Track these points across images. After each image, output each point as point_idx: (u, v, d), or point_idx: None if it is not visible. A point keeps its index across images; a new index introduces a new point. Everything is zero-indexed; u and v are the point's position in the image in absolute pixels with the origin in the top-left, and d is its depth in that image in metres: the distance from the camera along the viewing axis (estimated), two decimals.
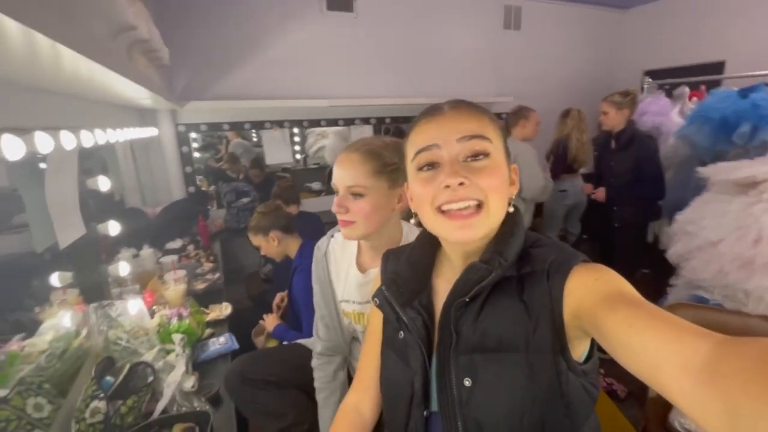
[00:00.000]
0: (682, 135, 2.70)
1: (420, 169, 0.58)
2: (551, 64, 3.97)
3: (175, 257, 2.07)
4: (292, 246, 1.71)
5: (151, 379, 1.08)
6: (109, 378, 1.04)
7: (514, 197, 0.61)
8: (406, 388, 0.63)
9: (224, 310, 1.62)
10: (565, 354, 0.53)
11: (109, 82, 1.12)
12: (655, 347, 0.40)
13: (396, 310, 0.64)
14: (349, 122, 3.24)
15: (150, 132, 2.35)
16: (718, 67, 3.56)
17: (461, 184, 0.54)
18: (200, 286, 1.80)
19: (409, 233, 0.97)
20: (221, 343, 1.39)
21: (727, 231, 1.52)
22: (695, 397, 0.35)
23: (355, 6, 3.00)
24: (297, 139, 3.51)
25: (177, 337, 1.24)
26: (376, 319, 0.75)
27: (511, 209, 0.61)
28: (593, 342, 0.57)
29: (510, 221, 0.60)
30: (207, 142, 3.73)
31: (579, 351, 0.56)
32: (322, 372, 1.11)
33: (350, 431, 0.74)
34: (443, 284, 0.66)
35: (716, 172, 1.69)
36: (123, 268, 1.43)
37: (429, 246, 0.69)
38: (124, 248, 1.97)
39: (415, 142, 0.59)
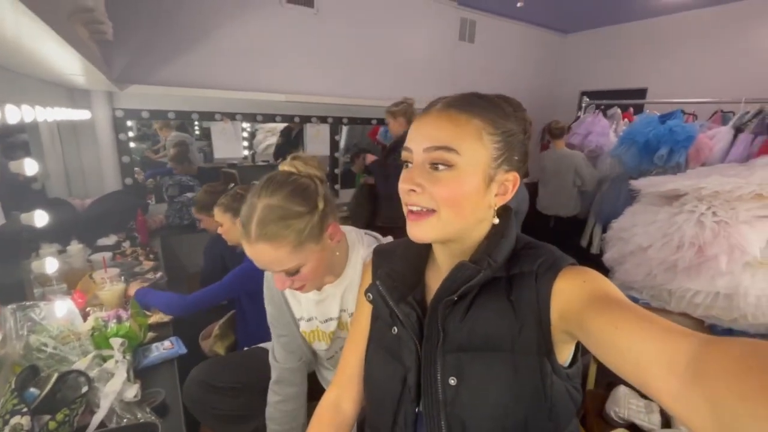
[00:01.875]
0: (615, 155, 2.99)
1: (403, 162, 0.60)
2: (501, 77, 4.20)
3: (108, 254, 1.87)
4: None
5: (85, 389, 0.95)
6: (33, 390, 0.90)
7: (496, 207, 0.59)
8: (396, 385, 0.62)
9: None
10: (551, 356, 0.54)
11: (41, 49, 0.98)
12: (639, 347, 0.40)
13: (390, 306, 0.63)
14: (305, 119, 3.16)
15: (82, 114, 2.10)
16: (642, 93, 3.99)
17: (412, 190, 0.56)
18: (140, 286, 1.64)
19: (356, 242, 0.95)
20: (166, 347, 1.27)
21: (655, 238, 1.70)
22: (682, 398, 0.35)
23: (315, 1, 2.95)
24: (245, 134, 3.36)
25: (116, 342, 1.11)
26: (363, 314, 0.73)
27: (496, 221, 0.60)
28: (577, 346, 0.59)
29: (502, 224, 0.61)
30: (142, 133, 3.43)
31: (564, 354, 0.57)
32: (278, 412, 1.05)
33: (331, 431, 0.71)
34: (435, 282, 0.65)
35: (646, 185, 1.89)
36: (50, 264, 1.25)
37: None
38: (45, 243, 1.74)
39: (408, 134, 0.60)
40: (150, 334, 1.34)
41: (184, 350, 1.29)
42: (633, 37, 4.06)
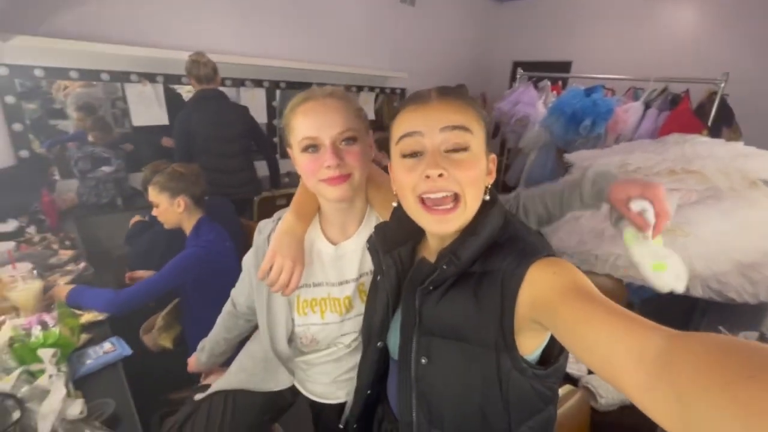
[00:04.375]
0: (545, 124, 3.18)
1: (404, 155, 0.59)
2: (441, 43, 4.17)
3: (11, 245, 1.59)
4: (191, 220, 1.50)
5: (16, 414, 0.82)
6: None
7: (489, 186, 0.63)
8: (367, 324, 0.75)
9: None
10: (512, 353, 0.56)
11: None
12: (607, 341, 0.41)
13: (379, 256, 0.70)
14: (238, 83, 2.88)
15: None
16: (567, 66, 4.25)
17: (440, 175, 0.56)
18: (62, 280, 1.43)
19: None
20: (107, 350, 1.14)
21: None
22: (649, 390, 0.36)
23: None
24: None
25: (46, 353, 0.96)
26: None
27: (487, 197, 0.62)
28: (555, 346, 0.61)
29: (480, 218, 0.61)
30: (28, 88, 2.83)
31: (531, 346, 0.59)
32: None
33: None
34: (424, 251, 0.72)
35: (579, 158, 2.05)
36: None
37: None
38: None
39: (400, 126, 0.60)
40: (83, 336, 1.19)
41: (128, 351, 1.17)
42: (561, 9, 4.25)
